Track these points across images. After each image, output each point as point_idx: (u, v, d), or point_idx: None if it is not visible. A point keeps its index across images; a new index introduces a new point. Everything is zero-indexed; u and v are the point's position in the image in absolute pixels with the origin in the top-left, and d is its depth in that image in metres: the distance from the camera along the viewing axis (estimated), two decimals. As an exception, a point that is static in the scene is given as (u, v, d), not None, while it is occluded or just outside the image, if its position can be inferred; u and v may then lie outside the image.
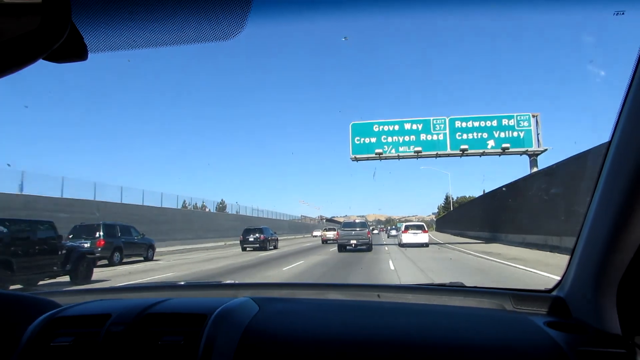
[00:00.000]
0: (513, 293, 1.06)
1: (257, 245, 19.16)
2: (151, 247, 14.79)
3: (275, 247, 20.37)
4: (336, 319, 0.91)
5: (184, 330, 0.78)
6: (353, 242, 16.12)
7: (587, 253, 0.79)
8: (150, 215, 24.39)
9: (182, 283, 1.49)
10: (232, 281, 1.66)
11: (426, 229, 19.62)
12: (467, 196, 57.78)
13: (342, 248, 16.12)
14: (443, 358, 0.73)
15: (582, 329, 0.80)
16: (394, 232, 35.59)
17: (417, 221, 29.96)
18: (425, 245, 17.87)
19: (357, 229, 16.66)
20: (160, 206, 26.77)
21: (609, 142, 0.69)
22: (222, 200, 45.06)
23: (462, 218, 34.32)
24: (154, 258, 14.72)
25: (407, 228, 19.61)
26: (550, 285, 1.03)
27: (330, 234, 24.81)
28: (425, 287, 1.18)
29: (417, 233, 18.60)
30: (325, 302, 1.09)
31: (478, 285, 1.19)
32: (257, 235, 19.41)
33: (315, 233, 44.54)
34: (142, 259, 14.20)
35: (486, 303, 1.06)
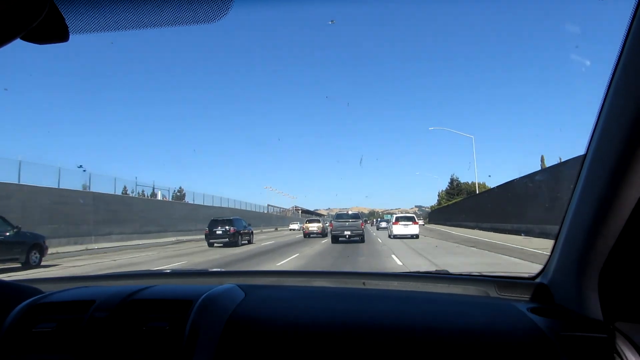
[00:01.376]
0: (497, 280, 1.14)
1: (227, 239, 17.40)
2: (35, 247, 10.87)
3: (249, 242, 19.18)
4: (322, 306, 0.97)
5: (169, 316, 0.82)
6: (347, 233, 17.44)
7: (569, 240, 0.85)
8: (69, 200, 19.66)
9: (168, 271, 1.63)
10: (219, 269, 1.67)
11: (417, 220, 21.20)
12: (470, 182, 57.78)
13: (336, 239, 17.43)
14: (428, 343, 0.79)
15: (565, 315, 0.87)
16: (383, 224, 37.36)
17: (404, 213, 31.81)
18: (416, 236, 19.51)
19: (351, 221, 18.00)
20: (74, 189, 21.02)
21: (592, 131, 0.73)
22: (180, 187, 41.87)
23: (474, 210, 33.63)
24: (43, 263, 11.00)
25: (397, 220, 20.93)
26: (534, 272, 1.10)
27: (314, 227, 23.53)
28: (411, 275, 1.26)
29: (407, 225, 20.03)
30: (312, 290, 1.17)
31: (463, 273, 1.31)
32: (226, 227, 17.56)
33: (293, 226, 43.87)
34: (17, 265, 10.36)
35: (471, 290, 1.13)
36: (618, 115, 0.64)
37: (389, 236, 21.26)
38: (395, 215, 22.66)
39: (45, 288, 1.04)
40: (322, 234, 23.26)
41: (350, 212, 20.08)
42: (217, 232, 17.54)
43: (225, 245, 17.29)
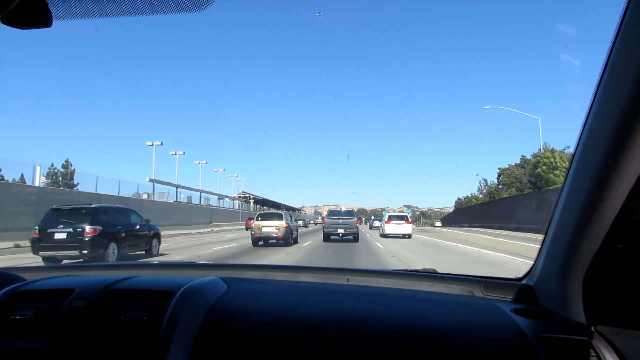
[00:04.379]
0: (483, 280, 1.26)
1: (77, 251, 10.40)
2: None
3: (150, 250, 13.25)
4: (305, 301, 1.09)
5: (147, 306, 0.92)
6: (340, 231, 19.15)
7: (555, 242, 0.95)
8: None
9: (155, 262, 2.40)
10: (206, 262, 1.99)
11: (410, 219, 24.61)
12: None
13: (327, 237, 19.44)
14: (409, 341, 0.89)
15: (548, 317, 0.97)
16: (377, 223, 40.00)
17: (398, 212, 35.78)
18: (408, 236, 22.81)
19: (345, 218, 19.69)
20: None
21: (580, 132, 0.81)
22: (66, 160, 34.75)
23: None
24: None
25: (390, 218, 24.05)
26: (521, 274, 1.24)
27: (271, 227, 16.81)
28: (395, 272, 1.41)
29: (400, 224, 23.15)
30: (296, 284, 1.30)
31: (450, 273, 1.43)
32: (78, 226, 10.43)
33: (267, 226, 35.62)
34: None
35: (456, 289, 1.25)
36: (605, 116, 0.71)
37: (380, 235, 24.45)
38: (387, 214, 25.92)
39: (28, 276, 1.20)
40: (285, 240, 16.82)
41: (344, 209, 21.66)
42: (57, 236, 10.18)
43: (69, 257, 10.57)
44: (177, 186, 42.03)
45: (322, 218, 23.88)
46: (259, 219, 17.13)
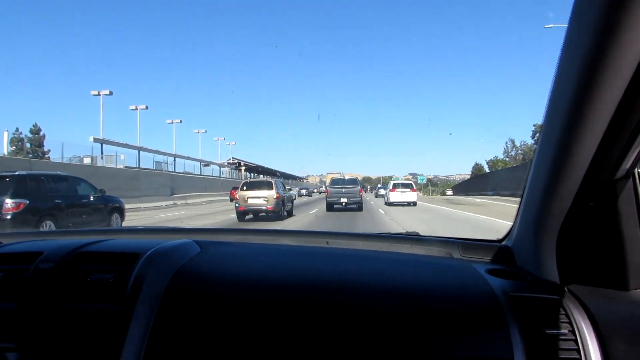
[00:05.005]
0: (462, 242, 1.32)
1: None
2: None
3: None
4: (281, 263, 1.12)
5: (114, 268, 0.96)
6: (343, 200, 19.72)
7: (528, 202, 0.98)
8: None
9: (131, 227, 2.02)
10: (185, 226, 1.93)
11: (414, 187, 26.35)
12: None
13: (331, 207, 19.86)
14: (384, 300, 0.92)
15: (522, 277, 1.01)
16: (382, 192, 40.92)
17: (404, 180, 36.47)
18: (413, 204, 24.02)
19: (348, 187, 20.32)
20: None
21: (550, 89, 0.82)
22: (34, 125, 33.01)
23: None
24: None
25: (394, 187, 25.63)
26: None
27: (259, 199, 14.87)
28: (375, 235, 1.47)
29: (405, 192, 24.68)
30: (274, 247, 1.35)
31: (432, 236, 1.46)
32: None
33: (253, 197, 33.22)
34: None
35: (435, 251, 1.30)
36: (567, 72, 0.72)
37: (385, 203, 25.99)
38: (392, 182, 27.32)
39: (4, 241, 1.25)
40: (276, 212, 15.03)
41: (347, 178, 22.09)
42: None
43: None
44: (139, 149, 35.94)
45: (326, 187, 23.85)
46: (245, 188, 15.13)
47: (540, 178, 0.87)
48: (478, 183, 61.23)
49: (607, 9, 0.59)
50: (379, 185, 61.62)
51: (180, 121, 46.68)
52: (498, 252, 1.19)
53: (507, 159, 62.57)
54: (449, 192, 68.13)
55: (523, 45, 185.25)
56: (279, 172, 69.46)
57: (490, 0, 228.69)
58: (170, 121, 45.71)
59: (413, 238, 1.38)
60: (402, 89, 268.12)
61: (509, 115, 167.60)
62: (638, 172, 0.82)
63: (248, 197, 14.73)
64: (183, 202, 31.69)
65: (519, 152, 61.68)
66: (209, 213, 19.76)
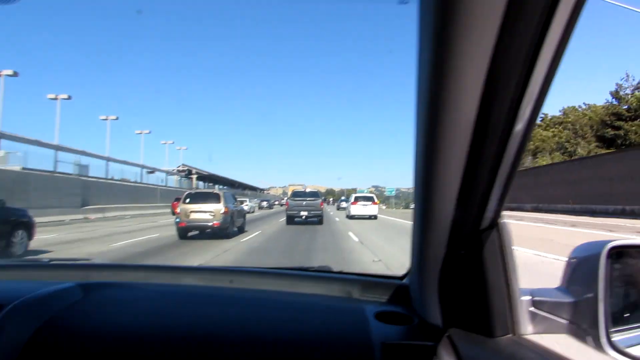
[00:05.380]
0: (364, 279, 1.34)
1: None
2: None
3: None
4: (168, 311, 1.10)
5: None
6: (304, 213, 20.06)
7: (413, 243, 0.95)
8: None
9: (3, 263, 1.95)
10: (74, 260, 1.76)
11: (376, 200, 27.18)
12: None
13: (291, 220, 20.22)
14: (256, 356, 0.92)
15: (410, 320, 1.04)
16: (344, 204, 41.35)
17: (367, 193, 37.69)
18: (374, 217, 25.23)
19: (309, 199, 20.61)
20: None
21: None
22: None
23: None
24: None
25: (356, 200, 26.32)
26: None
27: (203, 213, 13.41)
28: (279, 274, 1.47)
29: (366, 205, 25.42)
30: (170, 289, 1.32)
31: (339, 270, 1.53)
32: None
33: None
34: None
35: (335, 290, 1.32)
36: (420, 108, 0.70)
37: (347, 216, 26.52)
38: (354, 195, 27.91)
39: None
40: (223, 229, 13.53)
41: (308, 190, 22.49)
42: None
43: None
44: (57, 148, 29.47)
45: (286, 199, 24.68)
46: (187, 201, 13.61)
47: (416, 225, 0.88)
48: None
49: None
50: (342, 198, 62.93)
51: (117, 118, 40.52)
52: (396, 291, 1.24)
53: None
54: (413, 206, 68.71)
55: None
56: (238, 182, 66.57)
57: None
58: (104, 117, 38.98)
59: (316, 276, 1.44)
60: (369, 103, 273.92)
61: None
62: (502, 222, 0.88)
63: (191, 211, 13.26)
64: (99, 215, 26.73)
65: None
66: (126, 232, 16.60)
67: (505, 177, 0.72)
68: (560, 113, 47.66)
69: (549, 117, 47.59)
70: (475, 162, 0.68)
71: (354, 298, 1.27)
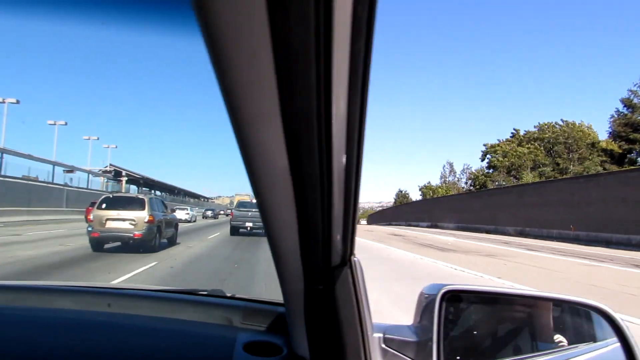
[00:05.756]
0: (247, 305, 1.43)
1: None
2: None
3: None
4: (30, 337, 1.11)
5: None
6: (249, 224, 20.71)
7: (276, 270, 1.00)
8: None
9: None
10: None
11: None
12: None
13: (235, 231, 20.93)
14: None
15: (279, 351, 1.12)
16: None
17: None
18: None
19: (255, 210, 20.05)
20: None
21: None
22: None
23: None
24: None
25: None
26: None
27: (122, 222, 12.38)
28: (162, 297, 1.55)
29: None
30: (38, 314, 1.30)
31: (231, 295, 1.60)
32: None
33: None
34: None
35: (217, 317, 1.38)
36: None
37: None
38: None
39: None
40: (147, 241, 12.47)
41: (254, 201, 15.31)
42: None
43: None
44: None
45: (231, 210, 24.85)
46: (103, 206, 12.38)
47: (273, 259, 0.93)
48: (402, 213, 63.13)
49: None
50: None
51: (18, 102, 35.90)
52: (277, 319, 1.29)
53: (445, 184, 64.20)
54: (363, 222, 71.86)
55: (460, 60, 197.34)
56: (179, 189, 63.79)
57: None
58: (51, 122, 37.12)
59: (201, 301, 1.50)
60: None
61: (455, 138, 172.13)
62: (354, 260, 0.95)
63: (107, 219, 12.05)
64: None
65: (460, 176, 63.27)
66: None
67: (343, 218, 0.77)
68: (535, 129, 49.15)
69: (522, 133, 49.12)
70: (304, 206, 0.73)
71: (233, 326, 1.34)
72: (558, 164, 43.33)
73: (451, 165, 68.71)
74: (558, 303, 1.28)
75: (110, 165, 49.37)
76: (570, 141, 43.10)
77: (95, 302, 1.43)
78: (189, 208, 37.80)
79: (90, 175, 44.32)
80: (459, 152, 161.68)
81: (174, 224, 15.24)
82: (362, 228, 41.32)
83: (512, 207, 33.43)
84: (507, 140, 50.22)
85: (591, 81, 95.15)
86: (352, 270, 0.94)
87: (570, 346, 1.22)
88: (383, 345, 1.05)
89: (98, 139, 47.12)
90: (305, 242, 0.81)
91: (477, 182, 52.29)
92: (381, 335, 1.06)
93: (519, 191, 35.21)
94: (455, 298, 1.11)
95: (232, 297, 1.55)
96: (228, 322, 1.34)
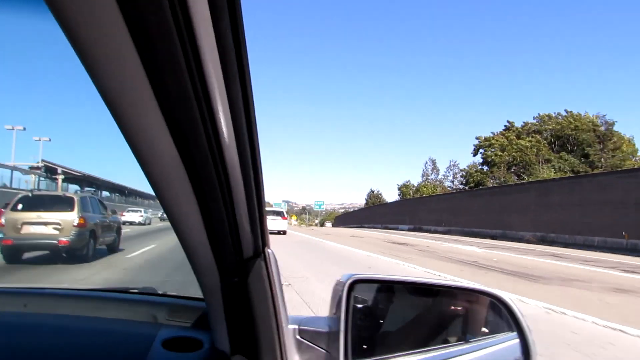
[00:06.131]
0: (174, 302, 1.52)
1: None
2: None
3: None
4: None
5: None
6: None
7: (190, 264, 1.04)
8: None
9: None
10: None
11: (285, 215, 32.20)
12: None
13: None
14: None
15: (199, 345, 1.18)
16: None
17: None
18: (283, 232, 29.51)
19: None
20: None
21: None
22: None
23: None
24: None
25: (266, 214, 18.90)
26: None
27: (44, 226, 11.19)
28: (82, 295, 1.62)
29: (275, 219, 29.65)
30: None
31: (162, 292, 1.68)
32: None
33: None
34: None
35: (142, 314, 1.45)
36: None
37: None
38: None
39: None
40: (78, 247, 11.12)
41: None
42: None
43: None
44: None
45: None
46: (20, 207, 10.89)
47: (185, 253, 0.96)
48: (365, 214, 62.31)
49: None
50: None
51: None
52: (202, 314, 1.33)
53: (429, 182, 63.47)
54: (328, 224, 72.25)
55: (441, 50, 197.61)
56: (130, 189, 59.57)
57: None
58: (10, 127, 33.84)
59: (126, 299, 1.59)
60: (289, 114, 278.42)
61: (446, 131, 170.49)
62: (268, 252, 1.02)
63: (24, 223, 10.52)
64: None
65: (446, 173, 62.38)
66: None
67: (248, 209, 0.84)
68: (535, 120, 48.58)
69: (519, 126, 48.58)
70: (203, 197, 0.78)
71: (157, 323, 1.39)
72: (587, 156, 41.37)
73: (434, 162, 68.12)
74: (459, 292, 1.35)
75: (43, 161, 44.29)
76: (575, 133, 42.22)
77: (10, 303, 1.46)
78: (142, 210, 36.44)
79: (13, 172, 40.15)
80: (438, 148, 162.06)
81: (115, 227, 13.66)
82: (348, 233, 39.26)
83: (527, 208, 29.44)
84: (501, 133, 49.80)
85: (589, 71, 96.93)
86: (266, 262, 1.01)
87: (485, 337, 1.29)
88: (298, 337, 1.11)
89: (24, 129, 42.72)
90: (213, 235, 0.87)
91: (472, 180, 51.10)
92: (296, 327, 1.12)
93: (540, 188, 30.95)
94: (362, 288, 1.19)
95: (162, 295, 1.62)
96: (153, 319, 1.40)
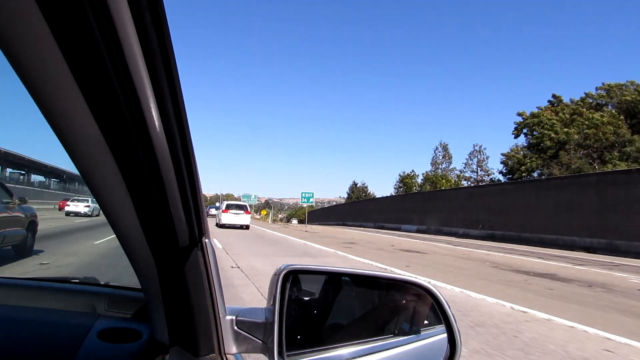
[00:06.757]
0: (114, 292, 1.60)
1: None
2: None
3: None
4: None
5: None
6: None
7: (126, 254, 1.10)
8: None
9: None
10: None
11: (249, 210, 35.77)
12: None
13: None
14: None
15: (138, 336, 1.26)
16: (213, 211, 48.04)
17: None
18: (246, 227, 32.94)
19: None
20: None
21: None
22: None
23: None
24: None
25: (228, 207, 34.44)
26: None
27: None
28: (24, 285, 1.71)
29: (238, 213, 33.44)
30: None
31: (105, 282, 1.80)
32: None
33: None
34: None
35: (81, 304, 1.55)
36: None
37: (217, 224, 34.76)
38: (225, 202, 37.09)
39: None
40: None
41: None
42: None
43: None
44: None
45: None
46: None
47: (120, 242, 1.01)
48: (347, 210, 62.66)
49: None
50: (209, 206, 70.21)
51: None
52: (143, 305, 1.41)
53: (438, 172, 59.33)
54: (294, 221, 69.56)
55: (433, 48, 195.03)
56: (72, 173, 54.56)
57: None
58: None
59: (62, 288, 1.65)
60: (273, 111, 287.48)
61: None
62: (205, 241, 1.08)
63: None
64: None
65: (468, 161, 57.82)
66: None
67: (180, 196, 0.89)
68: (597, 92, 44.09)
69: (568, 101, 44.27)
70: (134, 184, 0.83)
71: (95, 313, 1.48)
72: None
73: (445, 147, 64.23)
74: (389, 283, 1.47)
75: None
76: None
77: None
78: (90, 200, 33.39)
79: None
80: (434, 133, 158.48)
81: (26, 223, 10.38)
82: (329, 233, 37.01)
83: (580, 209, 24.42)
84: (547, 108, 46.10)
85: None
86: (204, 252, 1.08)
87: (426, 328, 1.38)
88: (235, 328, 1.20)
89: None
90: (146, 223, 0.92)
91: (524, 168, 45.10)
92: (233, 317, 1.20)
93: (613, 183, 24.48)
94: (297, 279, 1.26)
95: (104, 285, 1.71)
96: (92, 310, 1.50)
